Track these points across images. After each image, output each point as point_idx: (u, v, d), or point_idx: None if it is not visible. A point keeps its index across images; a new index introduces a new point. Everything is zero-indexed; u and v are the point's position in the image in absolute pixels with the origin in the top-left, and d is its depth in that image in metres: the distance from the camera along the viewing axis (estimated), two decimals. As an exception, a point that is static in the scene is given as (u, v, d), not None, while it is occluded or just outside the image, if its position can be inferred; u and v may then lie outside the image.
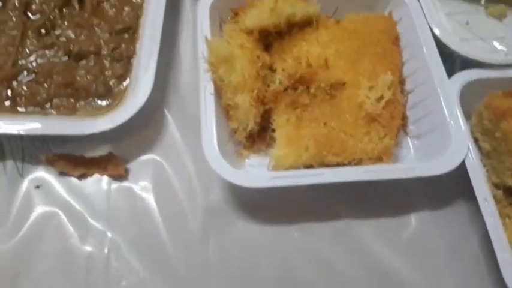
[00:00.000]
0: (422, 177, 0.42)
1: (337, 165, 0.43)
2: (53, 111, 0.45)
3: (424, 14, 0.50)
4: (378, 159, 0.44)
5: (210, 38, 0.47)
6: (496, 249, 0.38)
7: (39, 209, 0.43)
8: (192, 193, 0.44)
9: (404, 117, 0.48)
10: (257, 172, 0.45)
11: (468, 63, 0.49)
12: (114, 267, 0.39)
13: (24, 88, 0.45)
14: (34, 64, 0.47)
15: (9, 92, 0.45)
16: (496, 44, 0.53)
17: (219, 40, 0.45)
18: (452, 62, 0.50)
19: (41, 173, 0.44)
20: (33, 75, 0.46)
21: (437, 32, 0.48)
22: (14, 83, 0.45)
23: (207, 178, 0.45)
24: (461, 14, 0.55)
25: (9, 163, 0.45)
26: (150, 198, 0.43)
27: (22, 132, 0.42)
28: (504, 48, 0.52)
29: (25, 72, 0.46)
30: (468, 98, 0.46)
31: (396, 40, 0.51)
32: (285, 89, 0.46)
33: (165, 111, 0.48)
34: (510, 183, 0.43)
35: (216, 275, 0.40)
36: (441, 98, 0.45)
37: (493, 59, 0.48)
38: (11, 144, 0.46)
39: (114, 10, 0.50)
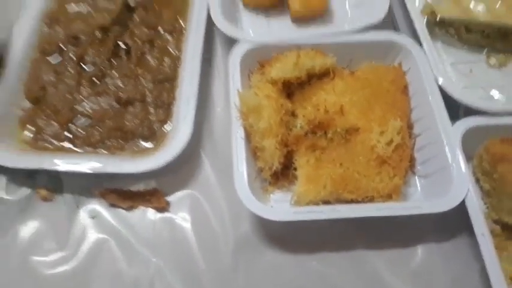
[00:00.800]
0: (427, 214, 0.47)
1: (352, 201, 0.49)
2: (105, 151, 0.51)
3: (430, 65, 0.55)
4: (388, 197, 0.50)
5: (240, 89, 0.52)
6: (492, 281, 0.42)
7: (93, 236, 0.49)
8: (224, 224, 0.51)
9: (412, 159, 0.53)
10: (281, 207, 0.50)
11: (471, 109, 0.54)
12: (158, 288, 0.46)
13: (81, 131, 0.52)
14: (89, 109, 0.54)
15: (67, 134, 0.51)
16: (495, 92, 0.58)
17: (249, 92, 0.52)
18: (457, 107, 0.55)
19: (95, 205, 0.51)
20: (88, 119, 0.53)
21: (441, 81, 0.54)
22: (72, 126, 0.52)
23: (238, 211, 0.51)
24: (465, 63, 0.61)
25: (68, 196, 0.52)
26: (188, 228, 0.50)
27: (80, 170, 0.49)
28: (503, 97, 0.57)
29: (81, 117, 0.53)
30: (471, 141, 0.51)
31: (405, 89, 0.57)
32: (305, 134, 0.52)
33: (201, 152, 0.55)
34: (507, 220, 0.48)
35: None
36: (444, 143, 0.50)
37: (492, 108, 0.53)
38: (69, 179, 0.52)
39: (156, 61, 0.58)
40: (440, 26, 0.63)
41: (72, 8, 0.63)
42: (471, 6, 0.61)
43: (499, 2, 0.61)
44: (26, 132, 0.54)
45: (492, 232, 0.48)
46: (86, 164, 0.49)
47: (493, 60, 0.62)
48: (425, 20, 0.62)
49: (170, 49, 0.60)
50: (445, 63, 0.61)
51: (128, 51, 0.59)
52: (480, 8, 0.61)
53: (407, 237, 0.51)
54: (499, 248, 0.47)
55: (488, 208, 0.51)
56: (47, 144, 0.53)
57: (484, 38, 0.62)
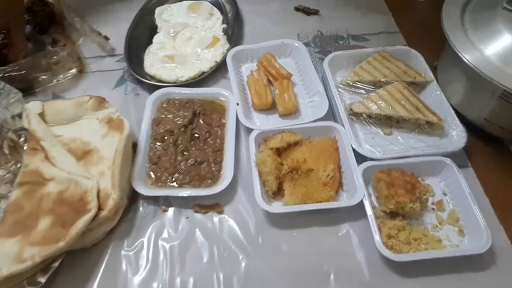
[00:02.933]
0: (346, 207, 0.81)
1: (311, 203, 0.82)
2: (191, 186, 0.88)
3: (348, 137, 0.89)
4: (328, 201, 0.82)
5: (256, 153, 0.87)
6: (375, 239, 0.77)
7: (188, 227, 0.83)
8: (251, 217, 0.83)
9: (341, 182, 0.86)
10: (277, 207, 0.83)
11: (368, 158, 0.87)
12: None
13: (179, 177, 0.88)
14: (182, 167, 0.88)
15: (173, 179, 0.91)
16: (383, 149, 0.92)
17: (260, 155, 0.85)
18: (363, 157, 0.87)
19: (188, 212, 0.85)
20: (182, 171, 0.88)
21: (354, 145, 0.88)
22: (175, 176, 0.88)
23: (257, 211, 0.83)
24: (370, 134, 0.95)
25: (174, 209, 0.85)
26: (233, 222, 0.83)
27: (181, 195, 0.84)
28: (386, 151, 0.91)
29: (179, 170, 0.89)
30: (368, 172, 0.84)
31: (337, 149, 0.89)
32: (288, 173, 0.84)
33: (237, 184, 0.88)
34: (384, 209, 0.81)
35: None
36: (354, 175, 0.83)
37: (378, 157, 0.87)
38: (175, 200, 0.85)
39: (212, 141, 0.92)
40: (356, 116, 0.97)
41: (166, 116, 0.98)
42: (370, 105, 0.95)
43: (384, 103, 0.95)
44: (152, 179, 0.90)
45: (378, 215, 0.82)
46: (183, 192, 0.84)
47: (384, 132, 0.95)
48: (347, 113, 0.95)
49: (219, 135, 0.93)
50: (359, 134, 0.94)
51: (198, 137, 0.93)
52: (374, 106, 0.95)
53: (338, 220, 0.83)
54: (381, 222, 0.81)
55: (377, 204, 0.85)
56: (162, 184, 0.88)
57: (379, 120, 0.96)
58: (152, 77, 1.09)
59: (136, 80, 1.09)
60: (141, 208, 0.88)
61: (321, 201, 0.84)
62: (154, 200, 0.88)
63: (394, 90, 1.00)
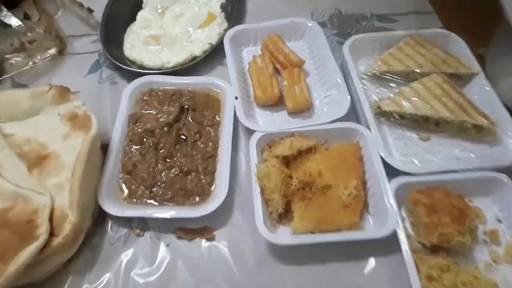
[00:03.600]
0: (374, 239, 0.67)
1: (328, 231, 0.69)
2: (174, 204, 0.73)
3: (375, 143, 0.76)
4: (350, 228, 0.69)
5: (257, 163, 0.73)
6: (410, 278, 0.63)
7: (168, 258, 0.70)
8: (249, 247, 0.71)
9: (365, 203, 0.72)
10: (284, 235, 0.70)
11: (401, 171, 0.73)
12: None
13: (159, 192, 0.74)
14: (163, 178, 0.75)
15: (151, 194, 0.74)
16: (420, 159, 0.77)
17: (263, 166, 0.72)
18: (395, 170, 0.74)
19: (170, 237, 0.72)
20: (163, 184, 0.75)
21: (382, 154, 0.74)
22: (154, 189, 0.75)
23: (257, 239, 0.70)
24: (401, 139, 0.82)
25: (152, 233, 0.72)
26: (226, 251, 0.70)
27: (160, 216, 0.71)
28: (421, 165, 0.76)
29: (159, 183, 0.75)
30: (401, 191, 0.71)
31: (361, 158, 0.77)
32: (298, 189, 0.71)
33: (234, 202, 0.75)
34: (423, 241, 0.68)
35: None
36: (383, 194, 0.70)
37: (414, 171, 0.73)
38: (153, 222, 0.73)
39: (203, 145, 0.79)
40: (384, 116, 0.83)
41: (147, 111, 0.84)
42: (403, 103, 0.82)
43: (420, 100, 0.81)
44: (124, 193, 0.75)
45: (415, 249, 0.68)
46: (164, 213, 0.71)
47: (420, 137, 0.81)
48: (374, 112, 0.82)
49: (211, 136, 0.80)
50: (389, 139, 0.81)
51: (185, 139, 0.80)
52: (408, 104, 0.81)
53: (362, 253, 0.70)
54: (419, 258, 0.66)
55: (414, 233, 0.71)
56: (137, 201, 0.74)
57: (413, 122, 0.82)
58: (133, 62, 0.96)
59: (113, 66, 0.96)
60: (109, 231, 0.74)
61: (341, 229, 0.70)
62: (127, 221, 0.74)
63: (433, 84, 0.84)
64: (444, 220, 0.68)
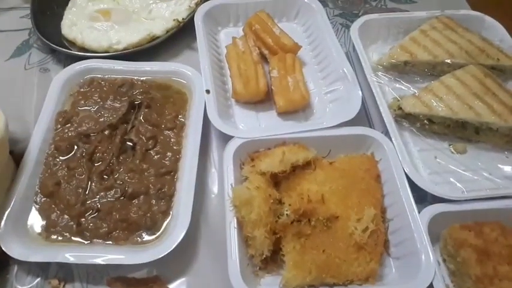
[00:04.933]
0: None
1: (334, 285, 0.54)
2: (111, 242, 0.56)
3: (398, 156, 0.62)
4: (366, 280, 0.55)
5: (233, 182, 0.59)
6: None
7: None
8: None
9: (386, 242, 0.59)
10: None
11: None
12: None
13: (90, 224, 0.57)
14: (98, 203, 0.59)
15: (79, 227, 0.56)
16: (458, 178, 0.64)
17: (241, 187, 0.57)
18: (424, 193, 0.61)
19: None
20: (97, 212, 0.58)
21: (408, 171, 0.60)
22: (83, 220, 0.57)
23: None
24: (430, 150, 0.68)
25: (77, 284, 0.55)
26: None
27: (89, 262, 0.53)
28: (463, 184, 0.63)
29: (91, 210, 0.58)
30: (437, 224, 0.57)
31: (378, 177, 0.63)
32: (292, 222, 0.57)
33: (198, 239, 0.59)
34: None
35: None
36: (413, 228, 0.56)
37: (453, 195, 0.59)
38: (79, 269, 0.56)
39: (158, 156, 0.64)
40: (407, 120, 0.70)
41: (83, 108, 0.68)
42: (431, 102, 0.68)
43: (455, 99, 0.68)
44: (40, 225, 0.57)
45: None
46: (95, 257, 0.53)
47: (455, 148, 0.69)
48: (393, 114, 0.68)
49: (171, 144, 0.66)
50: (413, 150, 0.69)
51: (133, 147, 0.64)
52: (439, 105, 0.68)
53: None
54: None
55: (454, 286, 0.57)
56: (58, 236, 0.56)
57: (445, 128, 0.70)
58: (72, 44, 0.82)
59: (46, 48, 0.84)
60: (13, 282, 0.57)
61: (352, 281, 0.56)
62: (41, 267, 0.58)
63: (470, 78, 0.72)
64: (503, 270, 0.53)
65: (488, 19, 0.82)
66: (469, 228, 0.56)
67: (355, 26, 0.79)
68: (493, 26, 0.81)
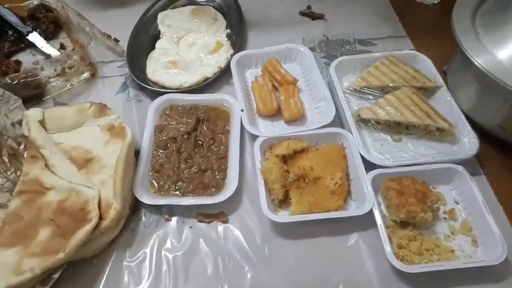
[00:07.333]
0: (355, 216, 0.79)
1: (319, 212, 0.80)
2: (194, 195, 0.86)
3: (356, 144, 0.87)
4: (336, 210, 0.80)
5: (261, 161, 0.86)
6: (384, 248, 0.74)
7: (191, 237, 0.81)
8: (256, 227, 0.82)
9: (348, 190, 0.85)
10: (284, 216, 0.81)
11: (376, 165, 0.85)
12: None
13: (183, 186, 0.87)
14: (186, 175, 0.88)
15: (176, 187, 0.87)
16: (392, 156, 0.89)
17: (266, 163, 0.84)
18: (373, 164, 0.85)
19: (192, 221, 0.83)
20: (186, 180, 0.87)
21: (362, 153, 0.86)
22: (178, 184, 0.87)
23: (262, 220, 0.82)
24: (378, 140, 0.93)
25: (178, 218, 0.83)
26: (238, 231, 0.82)
27: (184, 204, 0.83)
28: (395, 158, 0.89)
29: (182, 179, 0.88)
30: (377, 181, 0.83)
31: (345, 157, 0.88)
32: (294, 181, 0.83)
33: (242, 192, 0.87)
34: (395, 218, 0.79)
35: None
36: (362, 183, 0.81)
37: (387, 164, 0.85)
38: (178, 209, 0.84)
39: (216, 148, 0.91)
40: (363, 123, 0.95)
41: (169, 123, 0.97)
42: (378, 111, 0.93)
43: (393, 109, 0.93)
44: (154, 187, 0.87)
45: (388, 225, 0.80)
46: (187, 201, 0.83)
47: (393, 138, 0.93)
48: (355, 119, 0.93)
49: (223, 142, 0.92)
50: (367, 141, 0.93)
51: (201, 144, 0.92)
52: (383, 112, 0.93)
53: (346, 229, 0.81)
54: (391, 232, 0.79)
55: (387, 213, 0.82)
56: (165, 193, 0.87)
57: (387, 127, 0.94)
58: (155, 83, 1.08)
59: (138, 86, 1.08)
60: (143, 217, 0.86)
61: (328, 210, 0.82)
62: (157, 209, 0.86)
63: (403, 95, 0.97)
64: (410, 201, 0.80)
65: (421, 55, 1.05)
66: (393, 180, 0.82)
67: (333, 64, 1.03)
68: (423, 60, 1.05)
